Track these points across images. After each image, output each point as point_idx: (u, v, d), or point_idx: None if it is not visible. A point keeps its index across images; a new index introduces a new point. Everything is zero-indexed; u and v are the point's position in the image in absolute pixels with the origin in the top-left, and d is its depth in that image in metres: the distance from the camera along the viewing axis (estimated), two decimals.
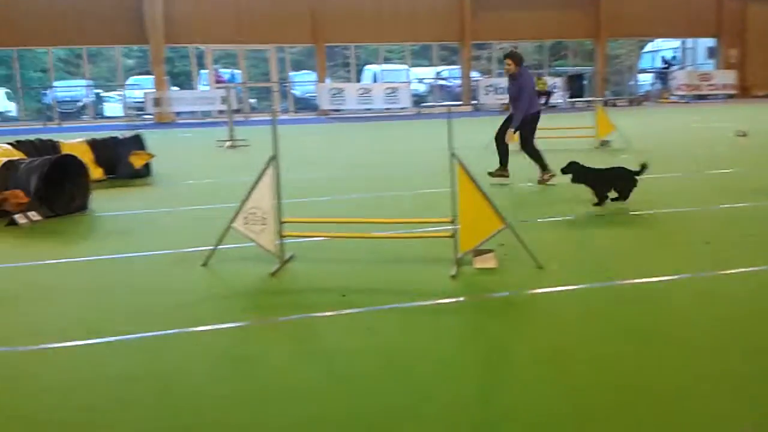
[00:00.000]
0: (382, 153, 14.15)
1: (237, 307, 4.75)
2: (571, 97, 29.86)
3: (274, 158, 5.40)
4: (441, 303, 4.66)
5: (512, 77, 9.26)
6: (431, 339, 4.08)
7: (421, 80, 30.87)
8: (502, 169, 9.45)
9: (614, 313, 4.39)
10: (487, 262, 5.39)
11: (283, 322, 4.43)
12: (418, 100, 30.29)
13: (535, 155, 9.33)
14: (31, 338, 4.20)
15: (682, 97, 32.04)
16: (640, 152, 12.72)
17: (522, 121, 9.09)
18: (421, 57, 33.86)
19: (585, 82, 31.66)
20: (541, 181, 9.25)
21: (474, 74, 31.52)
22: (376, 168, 11.71)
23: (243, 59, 28.83)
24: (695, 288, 4.89)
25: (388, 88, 28.91)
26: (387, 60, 32.15)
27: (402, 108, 28.71)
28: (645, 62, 36.18)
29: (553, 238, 6.41)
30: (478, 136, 14.18)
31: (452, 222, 5.37)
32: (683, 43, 35.84)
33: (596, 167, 7.75)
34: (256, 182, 5.44)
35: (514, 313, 4.58)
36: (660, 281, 5.00)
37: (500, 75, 31.65)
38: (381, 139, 18.03)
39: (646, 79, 35.34)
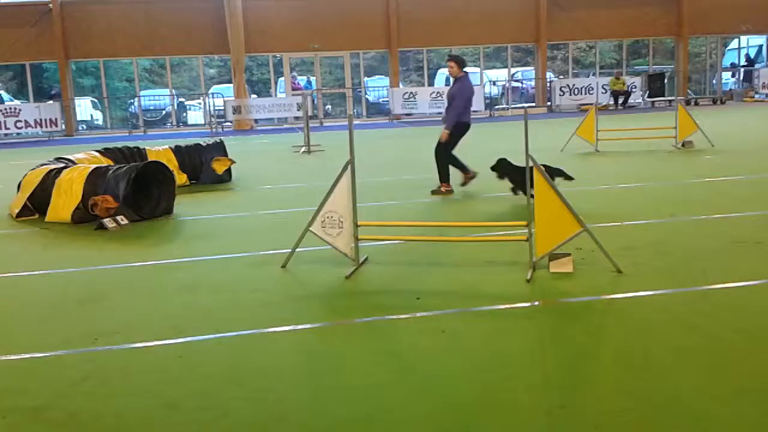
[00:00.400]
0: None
1: (315, 309, 4.87)
2: (650, 96, 28.98)
3: (350, 162, 5.50)
4: (516, 307, 4.65)
5: (454, 80, 9.28)
6: (505, 342, 4.08)
7: (494, 82, 30.58)
8: (465, 176, 9.56)
9: (696, 320, 4.27)
10: (564, 266, 5.33)
11: (360, 324, 4.52)
12: (491, 102, 30.01)
13: (453, 162, 9.41)
14: (121, 337, 4.41)
15: None
16: (724, 153, 12.28)
17: (453, 126, 9.12)
18: (494, 59, 33.57)
19: (665, 81, 30.63)
20: (465, 182, 9.49)
21: (548, 75, 31.02)
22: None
23: (318, 66, 29.30)
24: None
25: None
26: None
27: (474, 111, 28.54)
28: (729, 59, 34.76)
29: (632, 242, 6.26)
30: (553, 138, 14.00)
31: (528, 225, 5.34)
32: None
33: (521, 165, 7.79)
34: (333, 186, 5.55)
35: (590, 318, 4.52)
36: (746, 286, 4.84)
37: (576, 75, 31.06)
38: None
39: (729, 77, 33.96)
